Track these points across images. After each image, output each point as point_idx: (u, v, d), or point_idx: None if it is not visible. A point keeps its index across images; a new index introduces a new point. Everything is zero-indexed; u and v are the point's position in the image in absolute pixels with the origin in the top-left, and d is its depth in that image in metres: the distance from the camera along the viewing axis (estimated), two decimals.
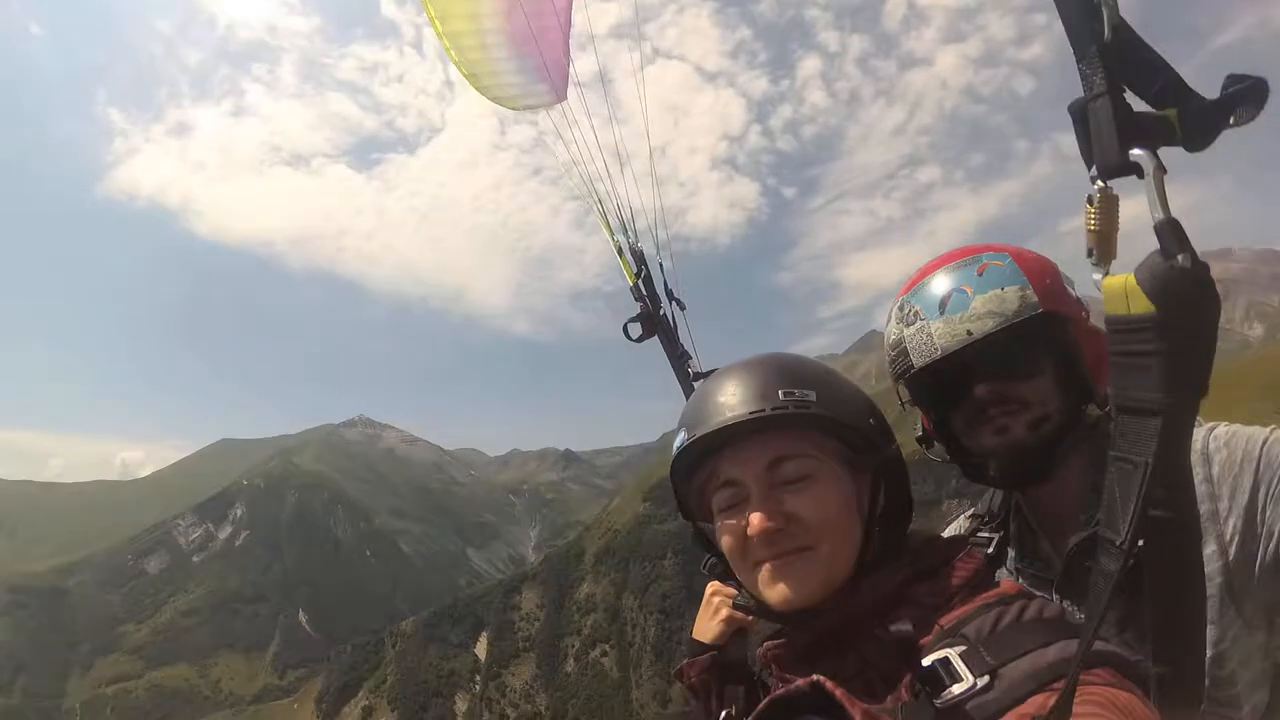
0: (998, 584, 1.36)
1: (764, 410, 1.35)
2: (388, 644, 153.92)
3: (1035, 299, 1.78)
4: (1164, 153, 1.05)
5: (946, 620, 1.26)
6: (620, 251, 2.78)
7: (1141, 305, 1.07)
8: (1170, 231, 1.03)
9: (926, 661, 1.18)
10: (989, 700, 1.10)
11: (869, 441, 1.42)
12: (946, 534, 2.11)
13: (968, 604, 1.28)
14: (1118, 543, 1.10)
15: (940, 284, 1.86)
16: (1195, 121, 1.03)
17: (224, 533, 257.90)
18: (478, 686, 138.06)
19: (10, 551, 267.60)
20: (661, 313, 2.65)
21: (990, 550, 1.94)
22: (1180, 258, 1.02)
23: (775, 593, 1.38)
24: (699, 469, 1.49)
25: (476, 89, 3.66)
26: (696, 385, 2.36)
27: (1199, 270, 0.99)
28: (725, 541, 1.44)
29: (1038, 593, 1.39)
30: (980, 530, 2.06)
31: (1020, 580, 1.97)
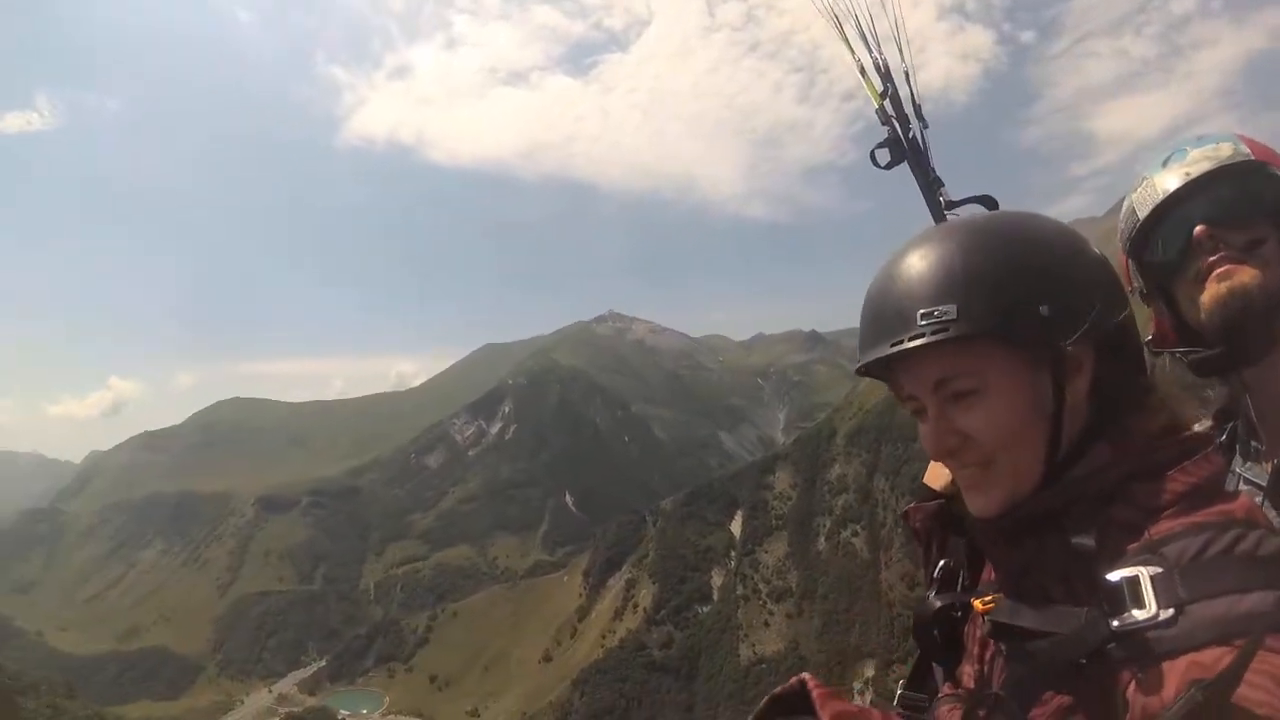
0: (1236, 496, 1.20)
1: (902, 341, 1.29)
2: (648, 522, 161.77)
3: (1249, 152, 1.77)
4: None
5: (1157, 531, 1.14)
6: (863, 71, 2.53)
7: None
8: None
9: (1115, 576, 1.10)
10: (1167, 636, 1.01)
11: (1040, 335, 1.27)
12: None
13: (1187, 516, 1.15)
14: None
15: (1163, 151, 1.86)
16: None
17: (495, 428, 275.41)
18: (732, 562, 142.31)
19: (306, 461, 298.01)
20: (911, 135, 2.38)
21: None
22: None
23: (966, 501, 1.39)
24: (883, 373, 1.46)
25: None
26: (948, 215, 2.21)
27: None
28: (921, 440, 1.41)
29: (1273, 514, 1.24)
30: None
31: (1242, 488, 1.84)
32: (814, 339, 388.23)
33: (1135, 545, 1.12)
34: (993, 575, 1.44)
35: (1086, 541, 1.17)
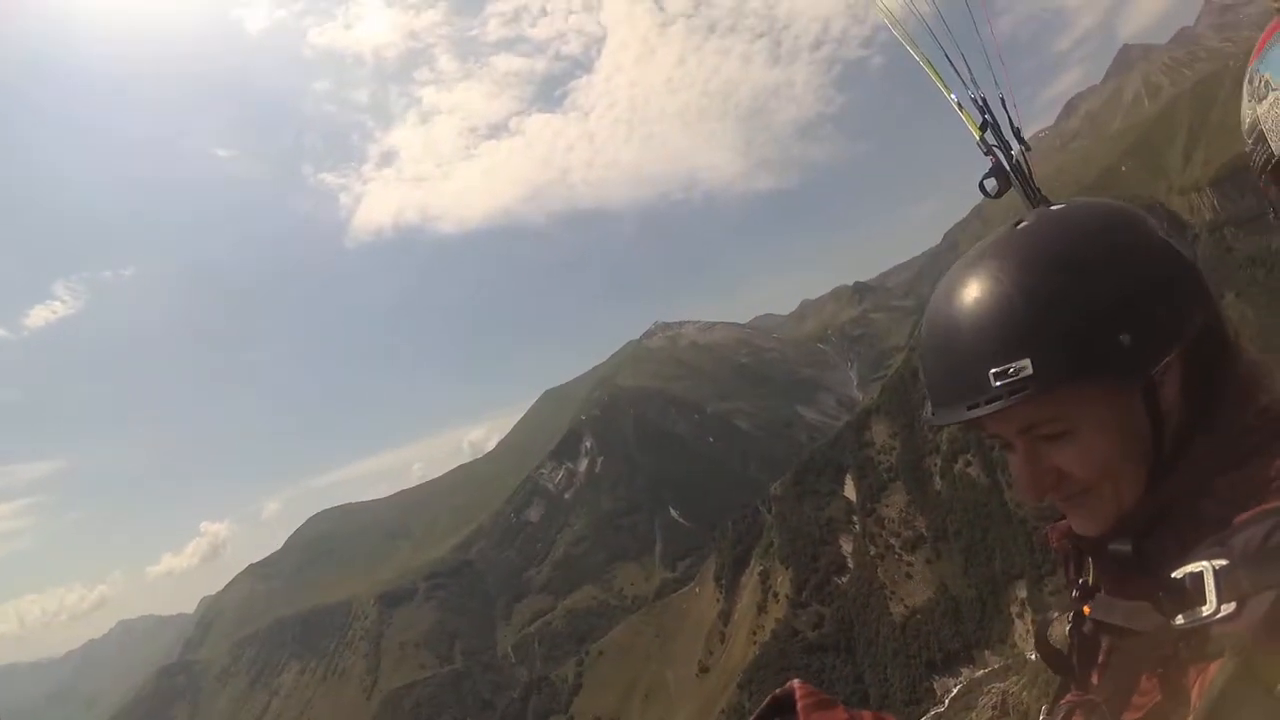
0: None
1: (978, 405, 1.25)
2: (763, 511, 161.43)
3: None
4: None
5: (1240, 519, 1.11)
6: (960, 107, 2.45)
7: None
8: None
9: (1181, 573, 1.09)
10: (1226, 633, 1.00)
11: (1129, 364, 1.21)
12: None
13: (1268, 503, 1.11)
14: None
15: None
16: None
17: (582, 466, 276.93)
18: (857, 526, 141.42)
19: (412, 549, 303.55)
20: (1015, 161, 2.26)
21: None
22: None
23: (1075, 525, 1.39)
24: None
25: None
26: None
27: None
28: (1012, 474, 1.40)
29: None
30: None
31: None
32: (860, 289, 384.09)
33: (1211, 538, 1.11)
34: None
35: (1124, 548, 1.23)
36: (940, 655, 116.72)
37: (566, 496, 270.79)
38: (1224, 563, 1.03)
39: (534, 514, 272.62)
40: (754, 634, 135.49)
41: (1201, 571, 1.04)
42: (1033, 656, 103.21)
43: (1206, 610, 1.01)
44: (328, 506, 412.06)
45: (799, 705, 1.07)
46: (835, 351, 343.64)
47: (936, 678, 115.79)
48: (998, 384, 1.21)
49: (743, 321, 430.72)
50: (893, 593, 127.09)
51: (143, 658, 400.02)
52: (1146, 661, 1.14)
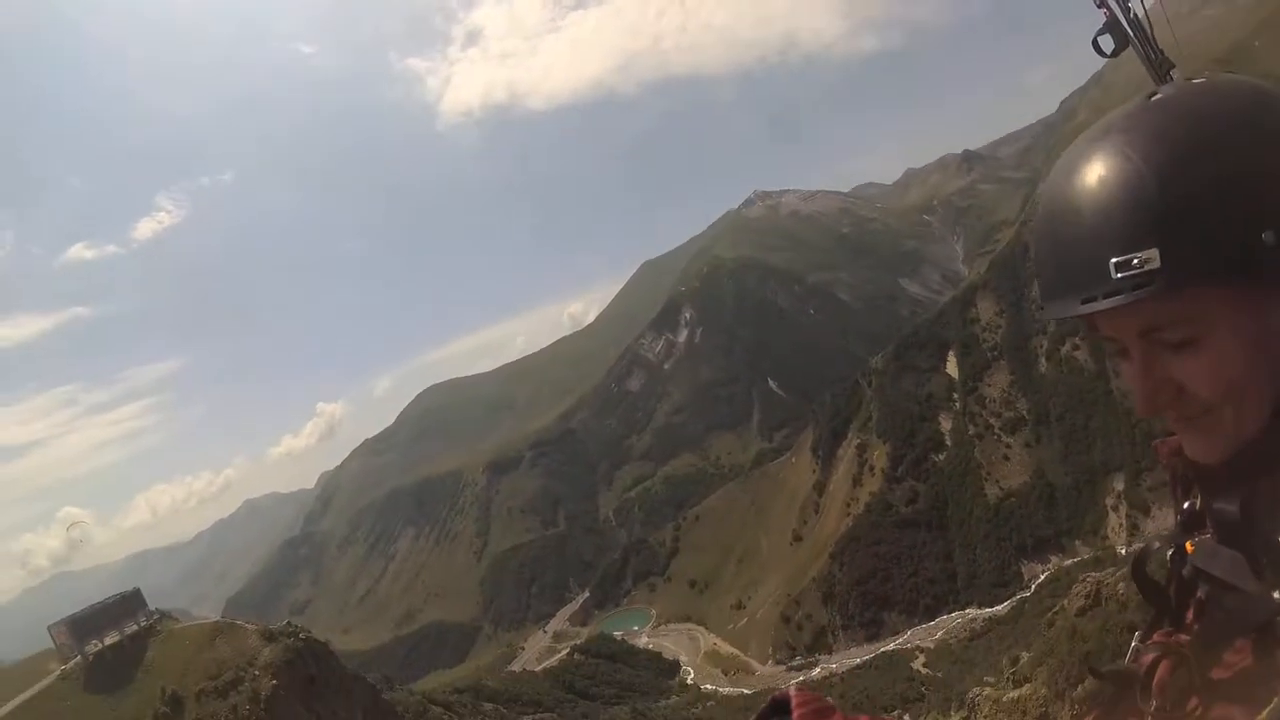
0: None
1: (1095, 298, 1.16)
2: (862, 384, 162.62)
3: None
4: None
5: None
6: None
7: None
8: None
9: None
10: None
11: (1271, 264, 1.09)
12: None
13: None
14: None
15: None
16: None
17: (681, 337, 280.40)
18: (957, 404, 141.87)
19: (517, 420, 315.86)
20: (1132, 15, 2.06)
21: None
22: None
23: (1184, 443, 1.30)
24: None
25: None
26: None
27: None
28: (1125, 382, 1.31)
29: None
30: None
31: None
32: (969, 158, 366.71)
33: None
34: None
35: (1230, 507, 1.15)
36: (1031, 540, 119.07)
37: (666, 367, 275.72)
38: None
39: (634, 384, 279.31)
40: (848, 506, 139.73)
41: None
42: (1123, 550, 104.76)
43: None
44: (435, 382, 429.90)
45: (795, 714, 1.03)
46: (941, 223, 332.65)
47: (1025, 563, 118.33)
48: (1119, 275, 1.12)
49: (844, 190, 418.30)
50: (989, 474, 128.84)
51: (268, 532, 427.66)
52: (1244, 622, 1.07)
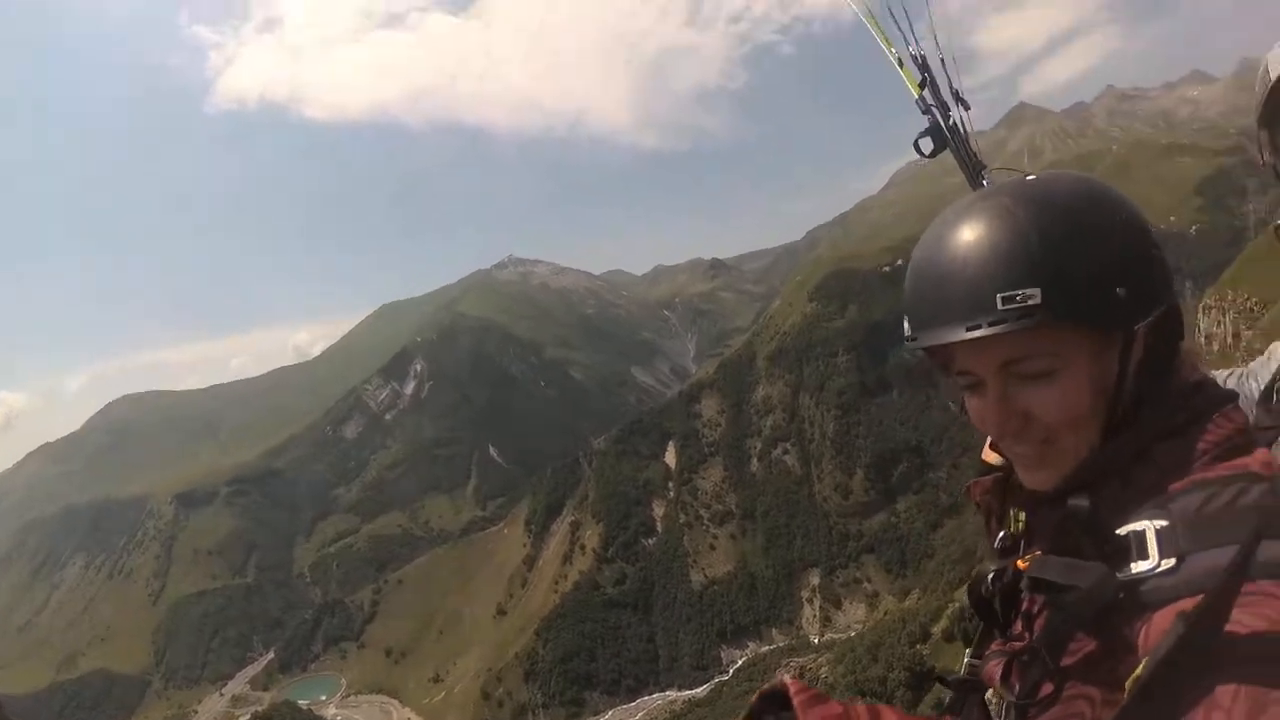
0: (1253, 449, 1.26)
1: (979, 326, 1.25)
2: (583, 463, 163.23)
3: None
4: None
5: (1176, 486, 1.20)
6: (900, 63, 2.49)
7: None
8: None
9: (1124, 530, 1.18)
10: (1167, 585, 1.09)
11: (1118, 317, 1.27)
12: (1263, 357, 1.99)
13: (1202, 472, 1.20)
14: None
15: None
16: None
17: (409, 388, 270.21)
18: (672, 492, 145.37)
19: (219, 449, 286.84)
20: (951, 121, 2.32)
21: None
22: None
23: (1024, 478, 1.42)
24: (931, 348, 1.43)
25: None
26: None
27: None
28: (973, 418, 1.42)
29: None
30: None
31: None
32: (716, 266, 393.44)
33: (1150, 502, 1.19)
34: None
35: (1082, 503, 1.27)
36: (731, 627, 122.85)
37: (388, 418, 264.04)
38: (1164, 524, 1.13)
39: (351, 430, 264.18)
40: (556, 583, 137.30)
41: (1144, 530, 1.14)
42: (815, 640, 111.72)
43: (1148, 565, 1.11)
44: (136, 390, 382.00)
45: (794, 701, 1.07)
46: (679, 320, 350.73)
47: (725, 648, 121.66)
48: (1004, 308, 1.23)
49: (596, 272, 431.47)
50: (695, 561, 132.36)
51: None
52: (1084, 612, 1.20)
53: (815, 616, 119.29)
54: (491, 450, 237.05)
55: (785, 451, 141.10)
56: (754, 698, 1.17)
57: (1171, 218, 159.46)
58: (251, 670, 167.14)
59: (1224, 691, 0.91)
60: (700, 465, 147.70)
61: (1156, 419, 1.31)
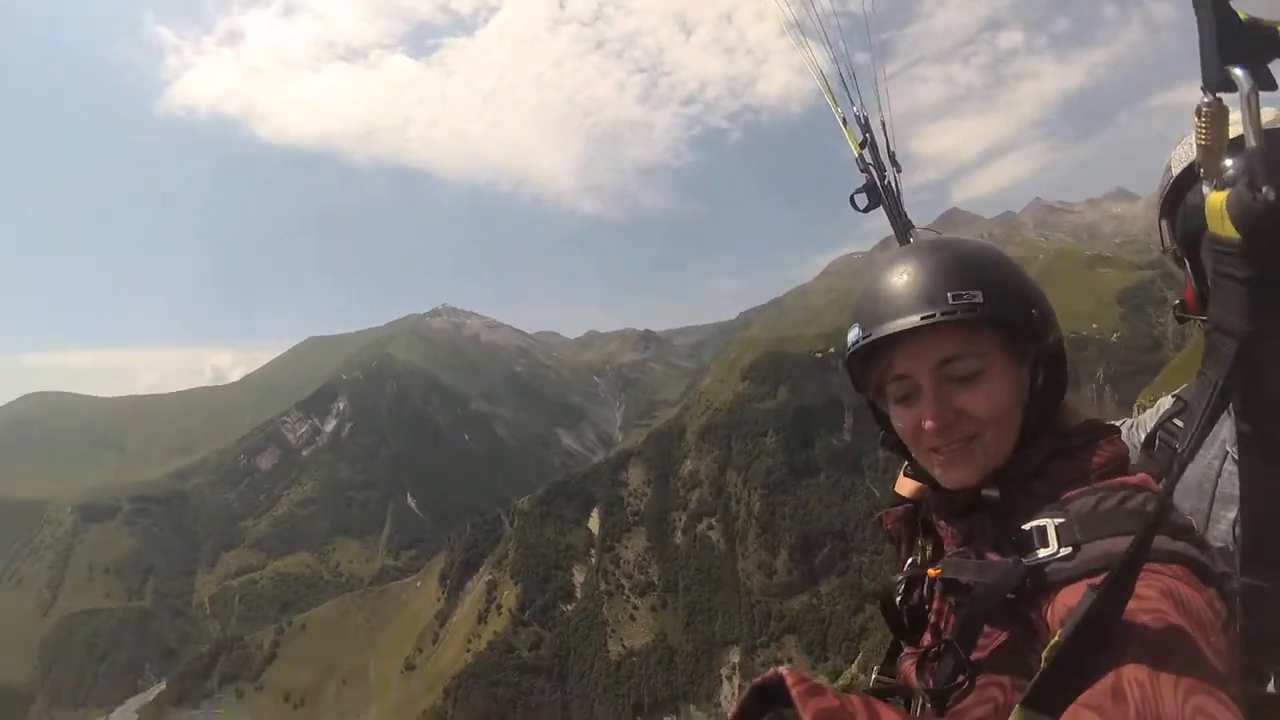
0: (1133, 473, 1.48)
1: (934, 315, 1.44)
2: (505, 521, 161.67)
3: None
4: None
5: (1069, 496, 1.40)
6: (845, 122, 2.79)
7: (1230, 230, 1.18)
8: (1260, 161, 1.07)
9: (1027, 526, 1.38)
10: (1065, 569, 1.28)
11: (1032, 332, 1.51)
12: (1151, 410, 2.26)
13: (1096, 484, 1.42)
14: (1180, 450, 1.36)
15: None
16: None
17: (329, 425, 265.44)
18: (593, 559, 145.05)
19: (124, 464, 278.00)
20: (886, 181, 2.62)
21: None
22: (1266, 190, 1.07)
23: (945, 476, 1.58)
24: (873, 357, 1.60)
25: None
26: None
27: None
28: (901, 427, 1.59)
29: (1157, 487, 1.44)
30: (1178, 416, 2.03)
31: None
32: (648, 338, 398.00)
33: (1048, 506, 1.40)
34: (948, 550, 1.64)
35: (994, 493, 1.48)
36: (649, 700, 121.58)
37: (305, 453, 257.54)
38: (1062, 520, 1.34)
39: (265, 462, 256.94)
40: (469, 642, 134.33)
41: (1045, 525, 1.34)
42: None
43: (1048, 552, 1.31)
44: (43, 390, 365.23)
45: (792, 692, 1.10)
46: (609, 388, 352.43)
47: None
48: (954, 302, 1.45)
49: (529, 331, 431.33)
50: (614, 631, 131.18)
51: None
52: (990, 604, 1.36)
53: (734, 694, 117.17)
54: (409, 499, 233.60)
55: (710, 527, 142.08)
56: (748, 690, 1.20)
57: (1094, 325, 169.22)
58: (142, 699, 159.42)
59: (1133, 659, 1.03)
60: (624, 534, 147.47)
61: (1052, 440, 1.53)
